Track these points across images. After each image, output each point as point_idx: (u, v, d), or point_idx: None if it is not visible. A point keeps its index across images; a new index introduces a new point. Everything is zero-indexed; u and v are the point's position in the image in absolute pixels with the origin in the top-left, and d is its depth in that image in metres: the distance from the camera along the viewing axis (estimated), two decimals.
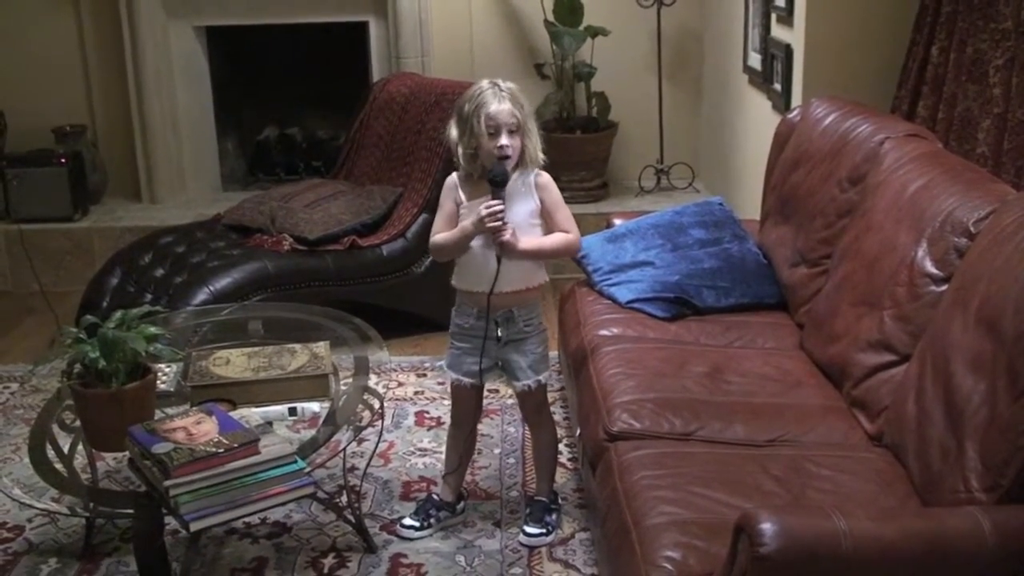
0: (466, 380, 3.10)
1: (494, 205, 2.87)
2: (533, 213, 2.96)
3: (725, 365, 3.09)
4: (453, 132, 2.97)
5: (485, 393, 3.16)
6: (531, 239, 2.94)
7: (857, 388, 2.81)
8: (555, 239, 2.98)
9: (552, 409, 3.89)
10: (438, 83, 4.90)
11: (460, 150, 2.96)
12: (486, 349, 3.03)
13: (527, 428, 3.74)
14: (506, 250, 2.88)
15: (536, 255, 2.97)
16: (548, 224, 2.98)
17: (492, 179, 2.88)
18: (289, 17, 5.71)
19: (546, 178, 2.99)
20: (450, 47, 5.73)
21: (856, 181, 3.19)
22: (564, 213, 2.99)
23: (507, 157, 2.88)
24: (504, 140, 2.87)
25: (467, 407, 3.17)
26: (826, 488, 2.44)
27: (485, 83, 2.93)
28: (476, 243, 2.95)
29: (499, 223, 2.86)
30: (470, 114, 2.90)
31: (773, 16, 4.34)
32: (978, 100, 3.36)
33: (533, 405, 3.17)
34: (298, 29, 5.79)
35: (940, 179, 2.83)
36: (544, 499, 3.21)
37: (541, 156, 2.96)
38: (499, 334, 3.01)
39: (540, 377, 3.09)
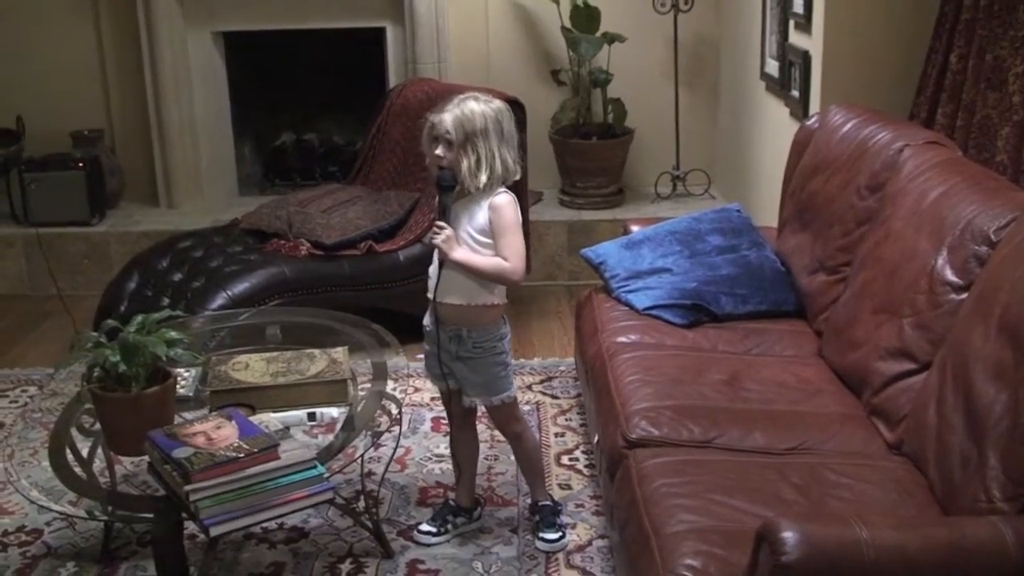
0: (433, 381, 3.15)
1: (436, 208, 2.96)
2: (480, 230, 2.93)
3: (743, 372, 3.09)
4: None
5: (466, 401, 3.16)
6: (465, 253, 2.92)
7: (877, 396, 2.80)
8: (488, 261, 2.92)
9: (568, 416, 3.91)
10: (455, 89, 4.88)
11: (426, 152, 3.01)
12: (443, 358, 3.04)
13: (541, 434, 3.76)
14: (440, 254, 2.91)
15: (466, 268, 2.92)
16: (494, 247, 2.94)
17: (435, 182, 2.95)
18: (306, 23, 5.72)
19: (502, 200, 2.93)
20: (467, 53, 5.73)
21: (875, 189, 3.19)
22: (509, 240, 2.92)
23: (442, 167, 2.91)
24: (438, 150, 2.90)
25: (449, 408, 3.19)
26: (846, 497, 2.44)
27: (462, 94, 2.96)
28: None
29: (433, 225, 2.92)
30: (426, 117, 2.97)
31: (791, 23, 4.33)
32: (997, 108, 3.35)
33: (499, 420, 3.17)
34: (315, 35, 5.80)
35: (960, 187, 2.82)
36: (548, 502, 3.21)
37: (483, 179, 2.89)
38: (450, 348, 3.02)
39: (492, 399, 3.06)
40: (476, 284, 2.96)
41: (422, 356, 3.18)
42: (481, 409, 3.17)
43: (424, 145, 2.98)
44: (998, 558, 1.96)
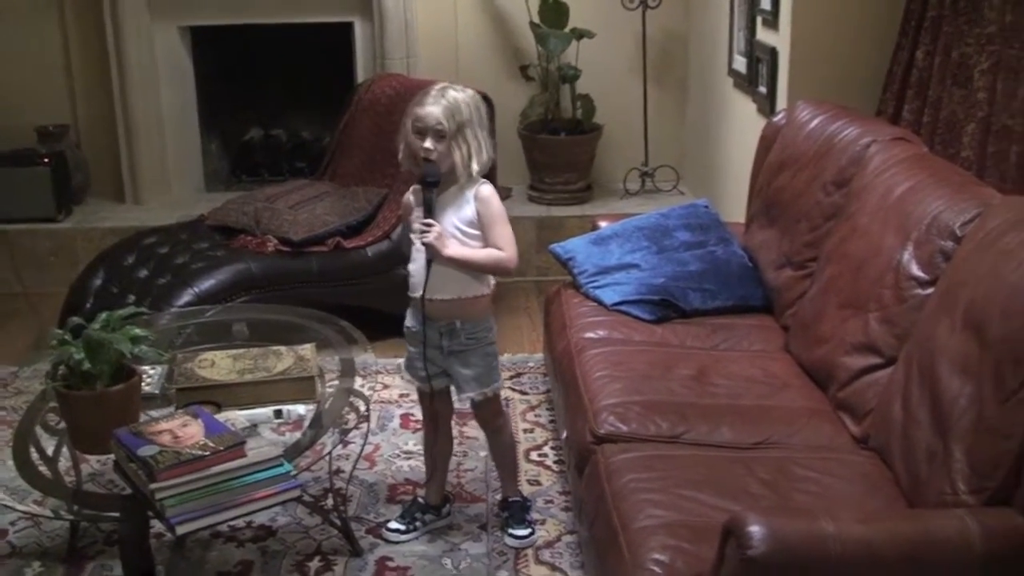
0: (418, 384, 3.11)
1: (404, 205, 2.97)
2: (467, 223, 2.93)
3: (711, 368, 3.09)
4: (401, 129, 2.98)
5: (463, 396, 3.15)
6: (459, 247, 2.91)
7: (843, 391, 2.82)
8: (484, 253, 2.93)
9: (537, 412, 3.91)
10: (423, 84, 4.86)
11: (401, 146, 2.97)
12: (431, 357, 3.02)
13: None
14: (431, 252, 2.88)
15: (461, 263, 2.92)
16: (484, 238, 2.94)
17: (421, 179, 2.91)
18: (274, 17, 5.69)
19: (487, 191, 2.94)
20: (435, 48, 5.72)
21: (842, 184, 3.20)
22: (500, 229, 2.94)
23: (430, 160, 2.87)
24: (427, 143, 2.87)
25: (429, 410, 3.17)
26: (813, 491, 2.45)
27: (437, 86, 2.94)
28: (416, 247, 2.94)
29: (421, 224, 2.89)
30: (407, 112, 2.93)
31: (758, 19, 4.35)
32: (963, 104, 3.37)
33: (486, 414, 3.16)
34: (283, 29, 5.77)
35: (926, 182, 2.84)
36: (518, 499, 3.22)
37: (475, 168, 2.89)
38: (442, 344, 3.00)
39: (486, 390, 3.06)
40: (468, 276, 2.95)
41: (402, 358, 3.15)
42: (456, 406, 3.16)
43: (407, 140, 2.92)
44: (963, 551, 1.98)
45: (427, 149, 2.86)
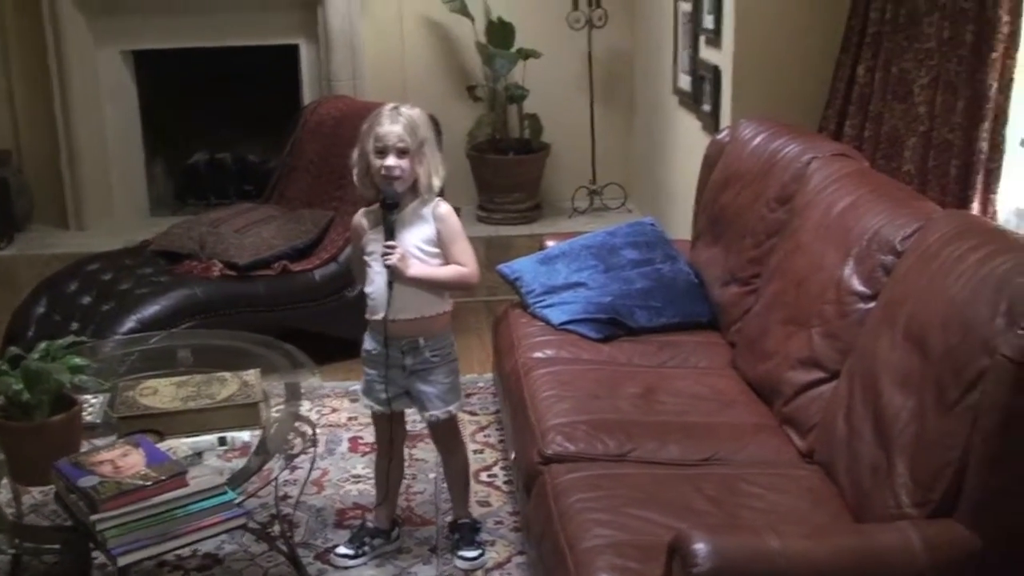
0: (377, 408, 3.08)
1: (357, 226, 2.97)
2: (427, 241, 2.93)
3: (658, 385, 3.09)
4: (354, 152, 2.97)
5: (417, 418, 3.13)
6: (423, 267, 2.92)
7: (788, 406, 2.83)
8: (448, 270, 2.94)
9: (487, 432, 3.90)
10: (370, 106, 4.84)
11: (355, 170, 2.96)
12: (393, 378, 3.00)
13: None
14: (395, 274, 2.88)
15: (426, 282, 2.93)
16: (445, 255, 2.95)
17: (382, 201, 2.90)
18: (218, 41, 5.67)
19: (445, 208, 2.96)
20: (382, 70, 5.72)
21: (784, 201, 3.22)
22: (461, 246, 2.96)
23: (394, 178, 2.87)
24: (390, 161, 2.86)
25: (385, 434, 3.15)
26: (759, 507, 2.45)
27: (388, 106, 2.94)
28: (375, 269, 2.94)
29: (384, 246, 2.89)
30: (364, 133, 2.92)
31: (702, 38, 4.38)
32: (904, 119, 3.40)
33: (444, 433, 3.15)
34: (228, 52, 5.74)
35: (867, 198, 2.86)
36: (468, 520, 3.20)
37: (437, 183, 2.92)
38: (405, 363, 2.99)
39: (450, 407, 3.06)
40: (430, 295, 2.96)
41: (351, 381, 3.12)
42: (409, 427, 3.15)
43: (367, 161, 2.91)
44: (907, 564, 1.99)
45: (389, 167, 2.86)
